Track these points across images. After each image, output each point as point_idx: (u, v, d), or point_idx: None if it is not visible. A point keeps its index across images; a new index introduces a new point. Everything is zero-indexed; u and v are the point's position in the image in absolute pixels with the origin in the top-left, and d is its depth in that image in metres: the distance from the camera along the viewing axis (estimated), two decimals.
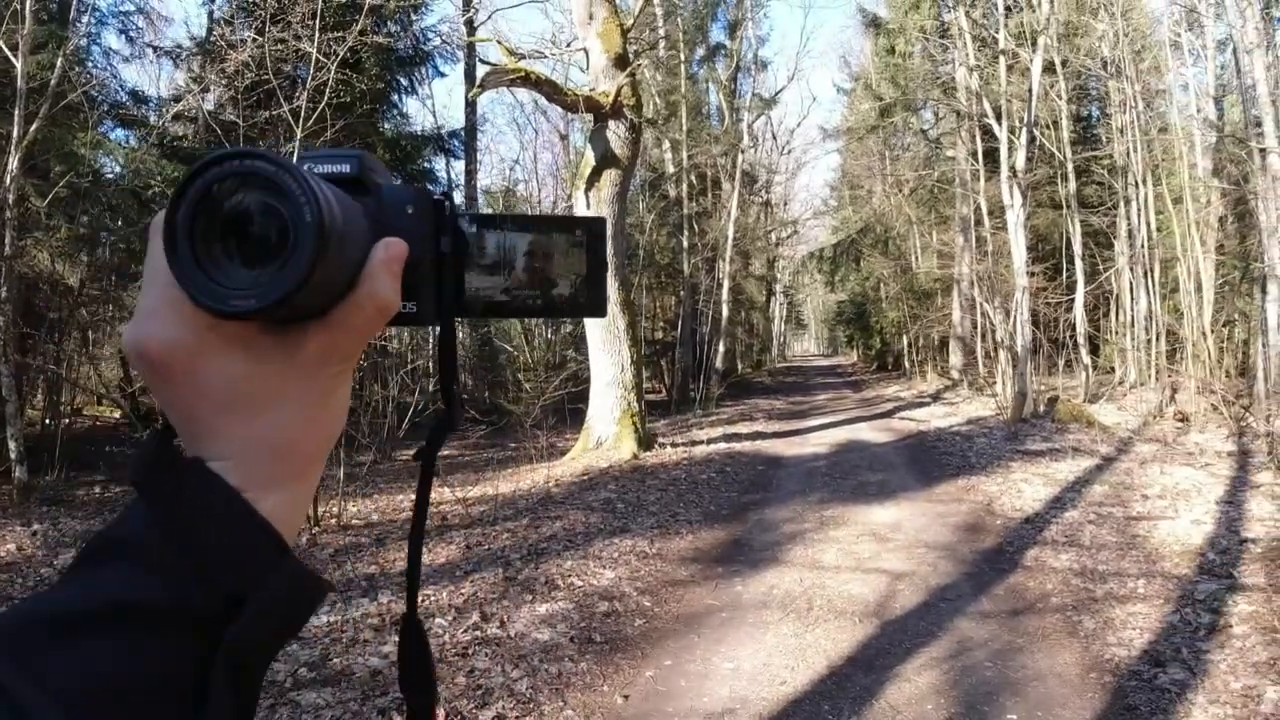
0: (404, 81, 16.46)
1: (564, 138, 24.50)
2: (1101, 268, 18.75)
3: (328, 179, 0.47)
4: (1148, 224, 17.26)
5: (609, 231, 0.70)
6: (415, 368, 9.42)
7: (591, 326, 11.17)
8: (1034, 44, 15.10)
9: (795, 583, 5.84)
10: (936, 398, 19.39)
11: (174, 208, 0.42)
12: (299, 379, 0.46)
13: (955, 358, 22.03)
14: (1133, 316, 17.53)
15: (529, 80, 10.24)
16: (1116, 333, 18.52)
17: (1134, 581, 5.70)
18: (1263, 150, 9.28)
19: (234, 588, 0.42)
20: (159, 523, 0.42)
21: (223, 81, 11.02)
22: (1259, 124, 9.49)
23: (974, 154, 19.34)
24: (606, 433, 11.06)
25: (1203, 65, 18.05)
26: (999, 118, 16.13)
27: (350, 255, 0.46)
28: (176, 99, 12.41)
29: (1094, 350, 18.47)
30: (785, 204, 37.13)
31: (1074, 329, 17.24)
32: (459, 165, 18.92)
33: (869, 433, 13.90)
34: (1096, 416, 13.36)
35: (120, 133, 13.38)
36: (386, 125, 16.04)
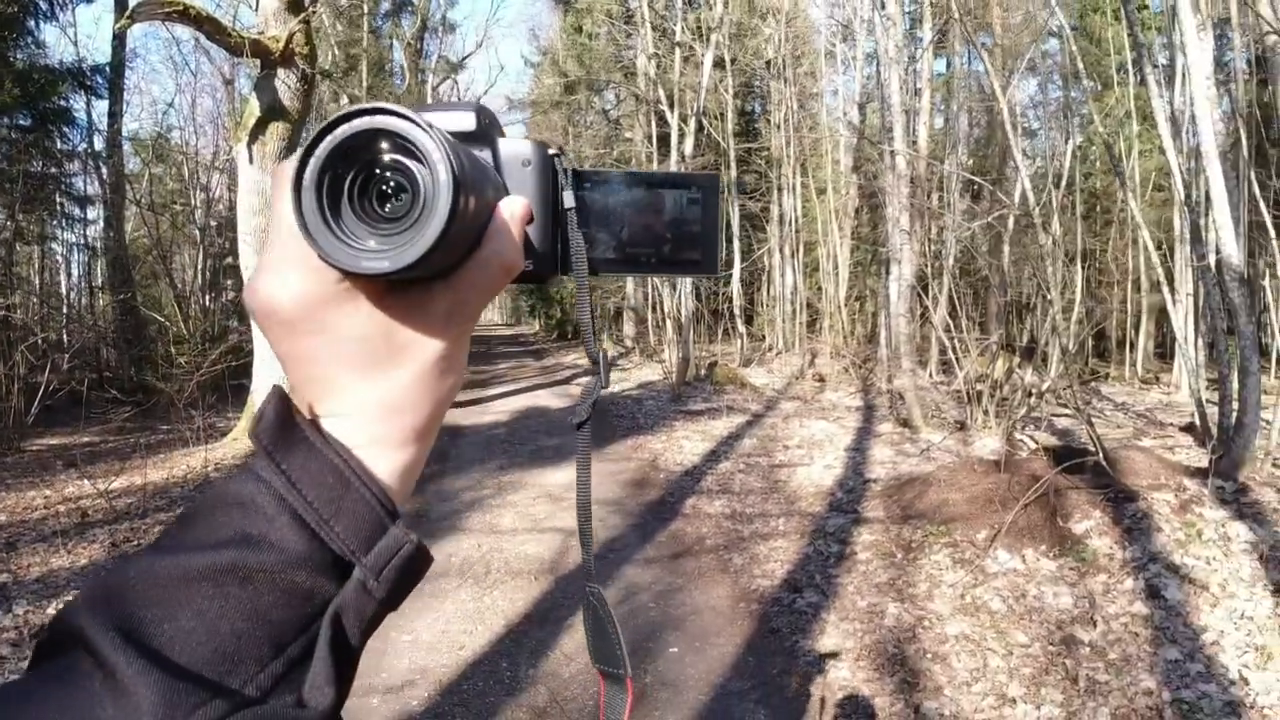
0: (42, 5, 13.94)
1: (229, 83, 22.04)
2: (756, 247, 20.69)
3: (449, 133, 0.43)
4: (796, 210, 19.30)
5: (720, 190, 0.61)
6: (46, 341, 7.92)
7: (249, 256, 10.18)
8: (707, 39, 16.17)
9: (473, 548, 5.84)
10: (611, 365, 20.25)
11: (304, 163, 0.40)
12: (424, 338, 0.45)
13: (629, 327, 23.20)
14: (781, 291, 19.61)
15: (188, 16, 9.01)
16: (767, 305, 20.59)
17: (776, 520, 6.36)
18: (893, 152, 10.70)
19: (345, 551, 0.41)
20: (273, 482, 0.41)
21: None
22: (891, 129, 10.92)
23: (649, 137, 20.37)
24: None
25: (852, 74, 20.42)
26: (672, 105, 17.11)
27: (479, 214, 0.44)
28: None
29: (749, 320, 20.43)
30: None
31: (731, 301, 18.88)
32: (101, 105, 16.22)
33: (548, 399, 14.20)
34: (749, 379, 14.79)
35: None
36: (18, 55, 13.70)
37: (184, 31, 13.93)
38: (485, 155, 0.50)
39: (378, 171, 0.41)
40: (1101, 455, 5.84)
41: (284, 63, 9.83)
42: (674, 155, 16.59)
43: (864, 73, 19.15)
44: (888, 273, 10.33)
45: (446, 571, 5.37)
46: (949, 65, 20.78)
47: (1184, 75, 7.84)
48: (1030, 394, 7.86)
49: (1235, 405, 6.16)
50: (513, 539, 6.06)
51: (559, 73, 26.40)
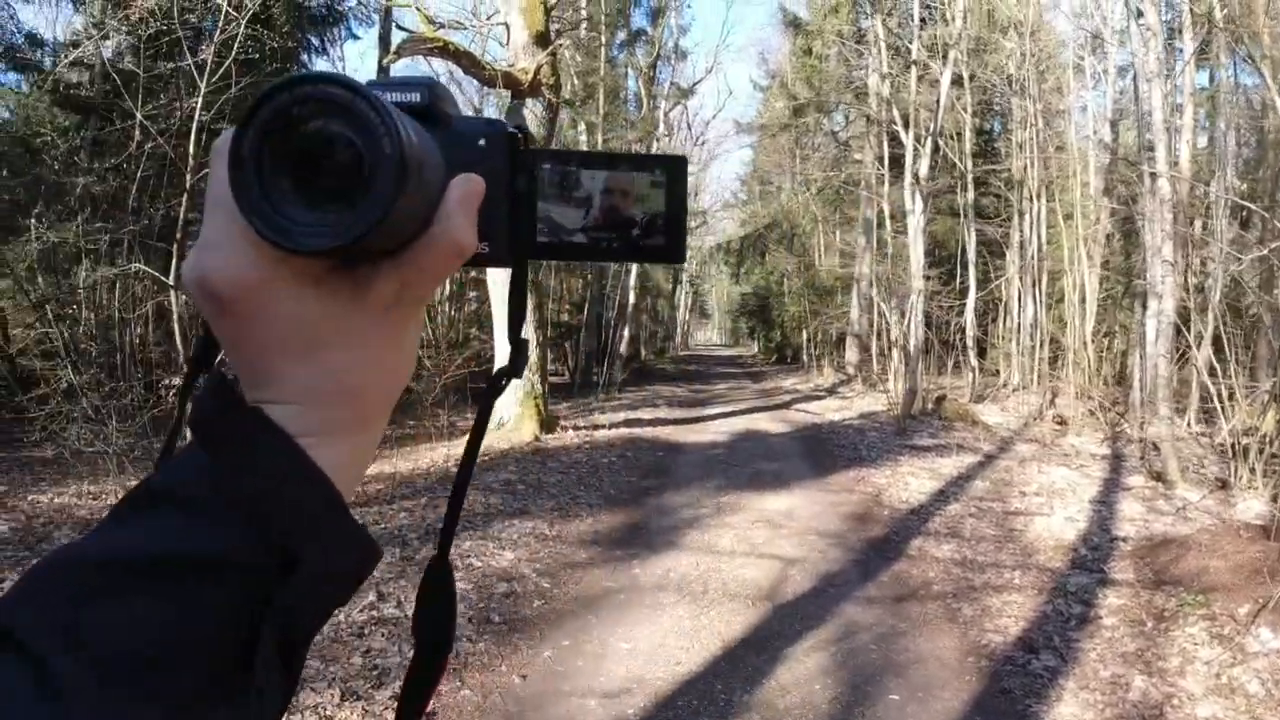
0: (315, 41, 15.88)
1: (478, 113, 24.02)
2: (993, 275, 19.58)
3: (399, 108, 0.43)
4: (1039, 236, 18.07)
5: (685, 174, 0.57)
6: None
7: (498, 306, 11.05)
8: (945, 57, 15.61)
9: (691, 566, 5.96)
10: (832, 391, 19.97)
11: (240, 135, 0.39)
12: (368, 320, 0.43)
13: (851, 354, 22.63)
14: (1019, 323, 18.38)
15: (447, 51, 10.01)
16: (1003, 338, 19.41)
17: (1010, 572, 6.04)
18: (1153, 174, 9.83)
19: (287, 543, 0.39)
20: (210, 471, 0.40)
21: (124, 29, 10.44)
22: (1151, 149, 10.05)
23: (880, 159, 19.90)
24: (509, 414, 11.00)
25: (1103, 89, 18.95)
26: (906, 125, 16.64)
27: (427, 191, 0.43)
28: (74, 44, 11.67)
29: (981, 353, 19.33)
30: (696, 194, 37.35)
31: (964, 332, 17.95)
32: None
33: (766, 423, 14.21)
34: (981, 416, 14.03)
35: (13, 76, 12.58)
36: None
37: (441, 65, 15.28)
38: (440, 133, 0.48)
39: (319, 144, 0.40)
40: None
41: (532, 92, 10.61)
42: (908, 177, 16.08)
43: (1116, 87, 17.73)
44: (1144, 307, 9.49)
45: (664, 586, 5.52)
46: (1212, 78, 18.71)
47: None
48: None
49: None
50: (730, 561, 6.13)
51: (787, 95, 26.41)
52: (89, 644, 0.35)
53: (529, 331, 10.83)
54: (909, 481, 9.02)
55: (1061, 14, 19.96)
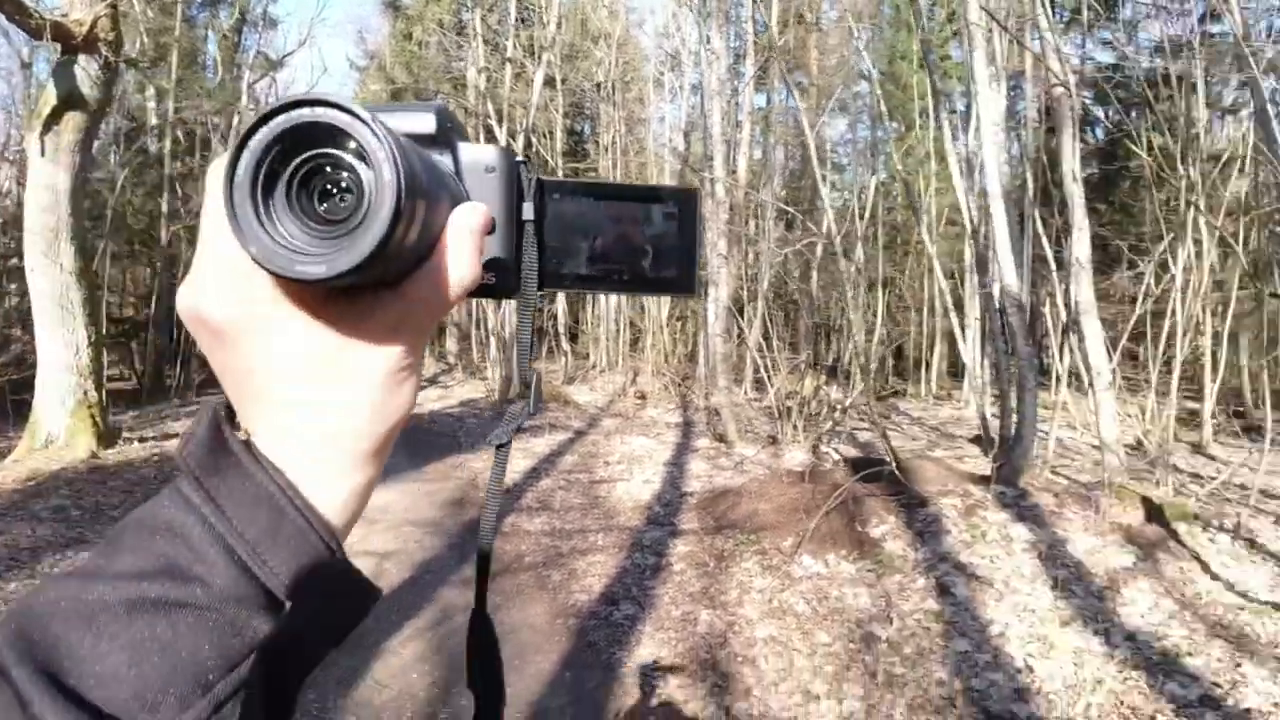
0: None
1: (26, 66, 19.88)
2: None
3: (404, 135, 0.39)
4: None
5: (698, 206, 0.55)
6: None
7: (39, 299, 9.12)
8: (538, 58, 16.18)
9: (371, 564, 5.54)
10: (433, 381, 19.78)
11: (235, 158, 0.36)
12: (367, 353, 0.41)
13: (451, 343, 22.77)
14: (606, 310, 19.82)
15: None
16: (592, 323, 20.76)
17: (595, 536, 6.32)
18: (713, 180, 11.05)
19: (278, 584, 0.38)
20: (202, 508, 0.38)
21: None
22: (712, 157, 11.28)
23: None
24: (58, 428, 9.10)
25: (679, 103, 21.00)
26: (500, 120, 16.98)
27: (429, 221, 0.40)
28: None
29: (573, 338, 20.48)
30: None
31: (556, 319, 18.92)
32: None
33: None
34: (572, 396, 14.78)
35: None
36: None
37: None
38: (445, 160, 0.46)
39: (317, 169, 0.38)
40: (895, 465, 6.20)
41: (87, 48, 8.98)
42: None
43: (690, 102, 19.74)
44: (706, 295, 10.64)
45: None
46: (769, 100, 21.83)
47: (977, 121, 8.54)
48: (834, 409, 8.26)
49: (1015, 419, 6.72)
50: None
51: (386, 79, 25.64)
52: (75, 685, 0.34)
53: (80, 329, 9.10)
54: None
55: (645, 33, 21.82)
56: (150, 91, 19.37)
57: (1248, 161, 9.62)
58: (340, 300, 0.40)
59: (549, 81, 17.58)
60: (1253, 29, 11.20)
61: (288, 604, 0.38)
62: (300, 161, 0.38)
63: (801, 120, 12.81)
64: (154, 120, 19.30)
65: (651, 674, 4.13)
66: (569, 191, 0.51)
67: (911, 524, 5.60)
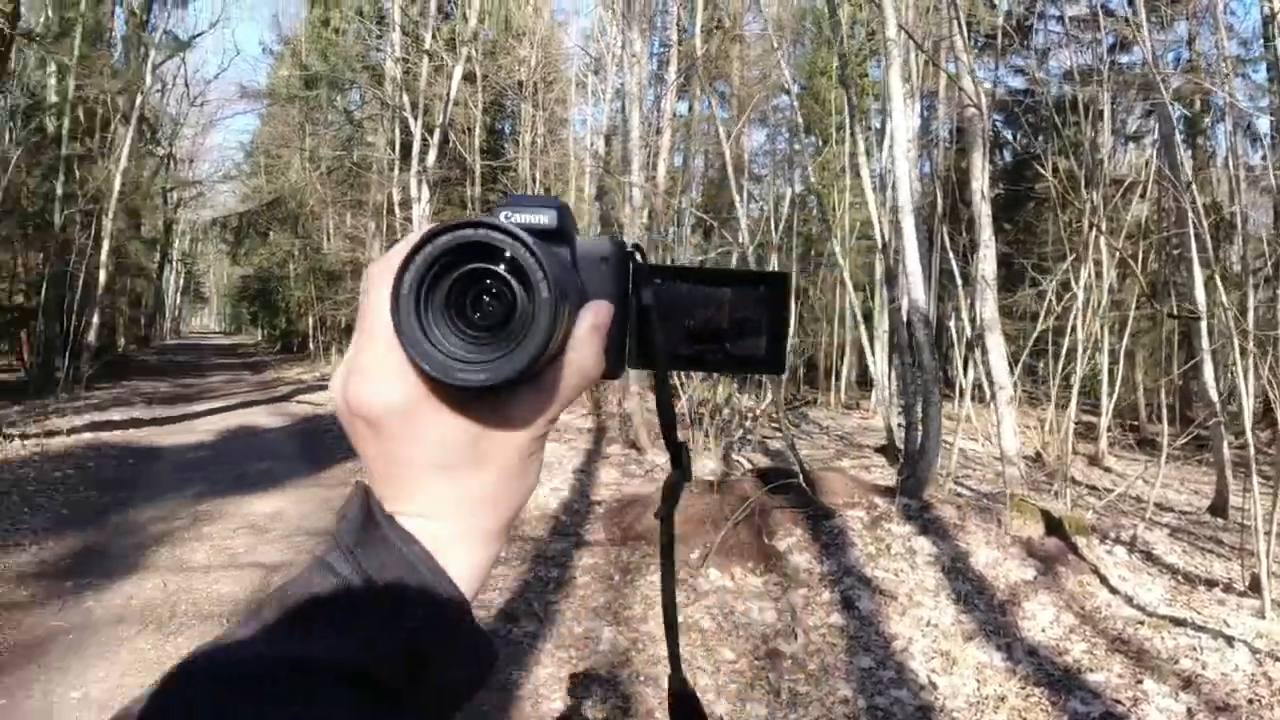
0: None
1: None
2: None
3: (527, 229, 0.42)
4: None
5: (789, 289, 0.57)
6: None
7: None
8: (458, 52, 15.82)
9: (158, 590, 5.17)
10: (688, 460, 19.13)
11: (403, 270, 0.40)
12: (506, 440, 0.45)
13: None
14: None
15: None
16: None
17: None
18: (630, 184, 10.95)
19: (420, 649, 0.41)
20: (351, 580, 0.41)
21: None
22: (630, 161, 11.18)
23: (392, 144, 19.56)
24: None
25: (601, 107, 20.85)
26: (416, 113, 16.55)
27: (569, 323, 0.44)
28: None
29: None
30: (191, 162, 33.69)
31: None
32: None
33: (263, 417, 13.11)
34: None
35: None
36: None
37: None
38: (564, 253, 0.48)
39: (479, 283, 0.41)
40: (802, 476, 6.16)
41: None
42: (415, 166, 15.98)
43: (612, 106, 19.63)
44: None
45: (125, 617, 4.70)
46: (691, 108, 21.88)
47: (891, 138, 8.64)
48: (745, 417, 8.22)
49: (920, 432, 6.76)
50: (205, 577, 5.40)
51: (300, 65, 24.74)
52: None
53: None
54: None
55: (569, 33, 21.64)
56: (51, 68, 18.17)
57: (1149, 187, 10.01)
58: (485, 396, 0.42)
59: (469, 77, 17.21)
60: (1161, 60, 11.75)
61: (427, 664, 0.42)
62: (459, 276, 0.40)
63: (720, 130, 12.83)
64: (53, 98, 18.11)
65: (549, 696, 3.95)
66: (670, 276, 0.54)
67: (818, 536, 5.56)
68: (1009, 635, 4.48)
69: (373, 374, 0.43)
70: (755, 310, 0.54)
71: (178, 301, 48.21)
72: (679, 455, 0.55)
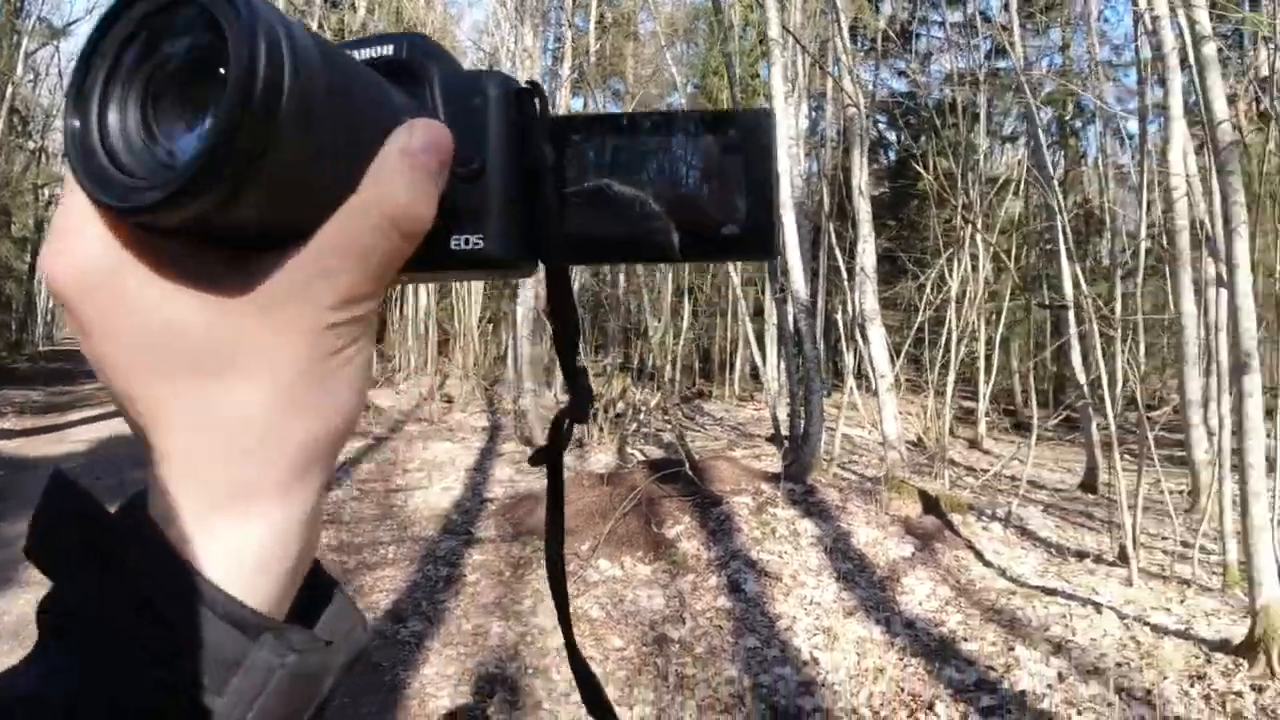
0: None
1: None
2: None
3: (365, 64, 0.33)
4: None
5: (772, 133, 0.36)
6: None
7: None
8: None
9: (30, 606, 4.76)
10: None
11: (82, 69, 0.28)
12: (272, 332, 0.29)
13: None
14: (413, 312, 19.12)
15: None
16: (398, 326, 20.02)
17: (387, 548, 5.96)
18: None
19: (194, 691, 0.28)
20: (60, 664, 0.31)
21: None
22: None
23: None
24: None
25: None
26: None
27: (345, 141, 0.30)
28: None
29: (378, 340, 19.65)
30: (63, 156, 31.71)
31: None
32: None
33: None
34: (374, 400, 14.09)
35: None
36: None
37: None
38: (420, 92, 0.35)
39: (178, 65, 0.28)
40: (689, 465, 6.25)
41: None
42: None
43: None
44: (514, 296, 10.42)
45: None
46: (585, 105, 21.89)
47: None
48: (639, 410, 8.27)
49: (803, 417, 6.95)
50: None
51: None
52: None
53: None
54: None
55: (461, 28, 21.32)
56: None
57: (1022, 185, 10.55)
58: (234, 263, 0.29)
59: None
60: (1034, 65, 12.38)
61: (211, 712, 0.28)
62: (157, 59, 0.28)
63: None
64: None
65: (436, 693, 3.89)
66: (595, 129, 0.38)
67: (705, 523, 5.64)
68: (888, 610, 4.64)
69: (65, 232, 0.29)
70: (727, 166, 0.38)
71: (50, 305, 45.39)
72: (577, 382, 0.42)
